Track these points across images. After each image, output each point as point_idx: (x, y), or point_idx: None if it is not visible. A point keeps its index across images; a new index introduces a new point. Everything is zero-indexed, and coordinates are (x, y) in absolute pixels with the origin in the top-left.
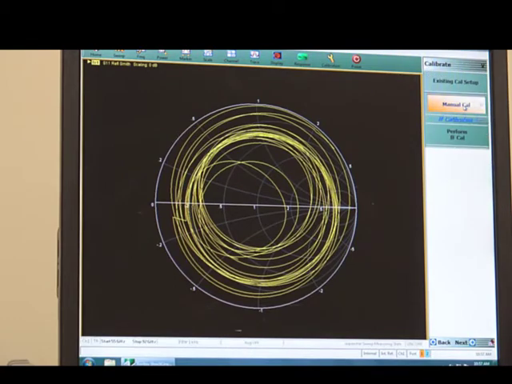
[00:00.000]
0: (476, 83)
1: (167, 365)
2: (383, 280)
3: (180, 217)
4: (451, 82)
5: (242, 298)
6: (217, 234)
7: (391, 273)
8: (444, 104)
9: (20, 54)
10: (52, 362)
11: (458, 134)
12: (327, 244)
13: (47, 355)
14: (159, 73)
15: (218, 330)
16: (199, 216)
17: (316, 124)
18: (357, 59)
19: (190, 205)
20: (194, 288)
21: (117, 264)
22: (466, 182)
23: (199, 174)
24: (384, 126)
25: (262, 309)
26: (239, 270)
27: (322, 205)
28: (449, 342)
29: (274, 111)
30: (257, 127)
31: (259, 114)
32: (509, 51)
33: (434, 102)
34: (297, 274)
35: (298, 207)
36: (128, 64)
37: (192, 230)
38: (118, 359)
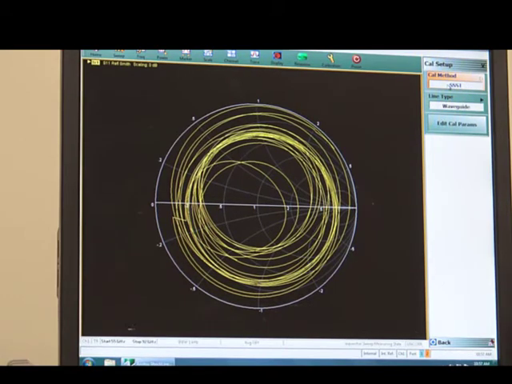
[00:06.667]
0: (476, 83)
1: (167, 365)
2: (383, 280)
3: (180, 217)
4: (451, 81)
5: (242, 298)
6: (217, 234)
7: (391, 273)
8: (444, 105)
9: (20, 53)
10: (52, 362)
11: (458, 136)
12: (327, 244)
13: (47, 355)
14: (159, 73)
15: (217, 330)
16: (199, 216)
17: (316, 124)
18: (357, 59)
19: (190, 205)
20: (194, 288)
21: (117, 264)
22: (467, 181)
23: (199, 174)
24: (384, 126)
25: (261, 309)
26: (239, 270)
27: (322, 205)
28: (449, 342)
29: (274, 111)
30: (257, 127)
31: (259, 114)
32: (509, 51)
33: (434, 102)
34: (297, 274)
35: (298, 207)
36: (128, 64)
37: (192, 230)
38: (117, 359)
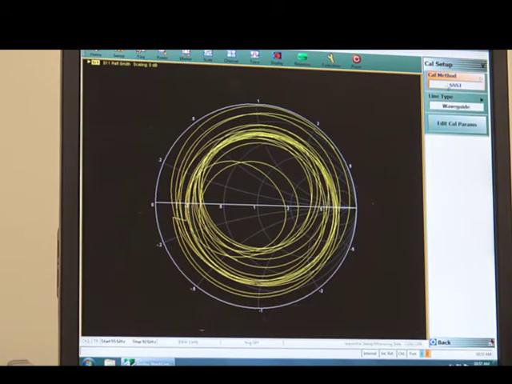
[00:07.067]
0: (476, 83)
1: (167, 365)
2: (383, 280)
3: (180, 217)
4: (451, 82)
5: (242, 298)
6: (217, 234)
7: (391, 273)
8: (444, 105)
9: (20, 53)
10: (52, 362)
11: (458, 136)
12: (327, 244)
13: (47, 355)
14: (159, 73)
15: (217, 330)
16: (199, 216)
17: (316, 124)
18: (357, 59)
19: (190, 205)
20: (194, 288)
21: (117, 264)
22: (467, 181)
23: (199, 173)
24: (384, 126)
25: (261, 309)
26: (239, 270)
27: (322, 205)
28: (449, 342)
29: (274, 111)
30: (257, 127)
31: (259, 113)
32: (509, 51)
33: (434, 102)
34: (297, 274)
35: (298, 207)
36: (128, 64)
37: (192, 230)
38: (117, 359)
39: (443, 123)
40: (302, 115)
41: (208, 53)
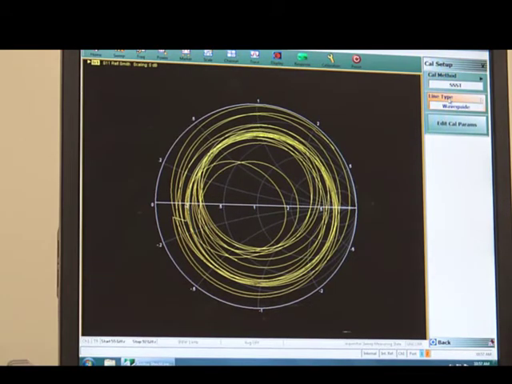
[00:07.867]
0: (476, 83)
1: (167, 365)
2: (383, 280)
3: (180, 217)
4: (451, 81)
5: (242, 298)
6: (217, 234)
7: (391, 273)
8: (444, 105)
9: (20, 53)
10: (52, 362)
11: (458, 136)
12: (327, 244)
13: (47, 355)
14: (159, 73)
15: (217, 330)
16: (199, 216)
17: (316, 124)
18: (357, 59)
19: (190, 205)
20: (194, 288)
21: (117, 264)
22: (467, 181)
23: (199, 174)
24: (384, 126)
25: (261, 309)
26: (239, 270)
27: (322, 205)
28: (449, 342)
29: (274, 111)
30: (257, 127)
31: (259, 113)
32: (509, 51)
33: (434, 102)
34: (297, 274)
35: (298, 207)
36: (128, 64)
37: (192, 230)
38: (117, 359)
39: (443, 123)
40: (301, 115)
41: (208, 53)
